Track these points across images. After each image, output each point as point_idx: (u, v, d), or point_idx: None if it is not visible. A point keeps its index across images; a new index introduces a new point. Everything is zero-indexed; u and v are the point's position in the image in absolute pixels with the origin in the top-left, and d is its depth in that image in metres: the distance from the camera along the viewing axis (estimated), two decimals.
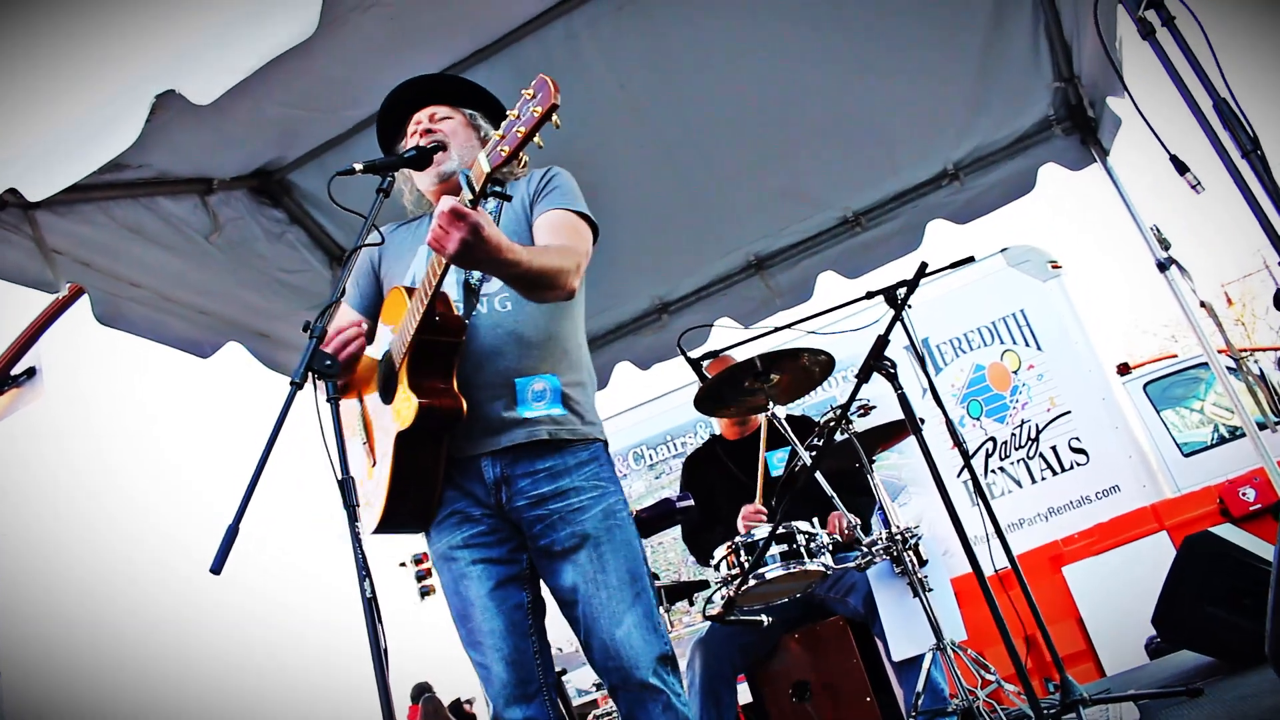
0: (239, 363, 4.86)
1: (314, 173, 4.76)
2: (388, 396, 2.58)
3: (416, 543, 17.25)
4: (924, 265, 3.22)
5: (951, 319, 8.15)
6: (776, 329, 3.79)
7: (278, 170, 4.69)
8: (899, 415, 3.54)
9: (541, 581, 2.64)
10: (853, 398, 3.31)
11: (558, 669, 2.77)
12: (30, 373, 6.29)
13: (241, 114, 3.86)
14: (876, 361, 3.14)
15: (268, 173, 4.68)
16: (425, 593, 17.22)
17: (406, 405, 2.45)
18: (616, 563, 2.52)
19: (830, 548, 3.46)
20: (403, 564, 17.57)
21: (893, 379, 3.18)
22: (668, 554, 8.41)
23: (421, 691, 11.68)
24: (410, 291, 2.53)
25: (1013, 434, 7.91)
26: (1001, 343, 8.03)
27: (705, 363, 4.03)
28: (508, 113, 2.12)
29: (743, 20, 4.52)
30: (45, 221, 3.82)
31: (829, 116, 5.11)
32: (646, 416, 8.78)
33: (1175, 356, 11.98)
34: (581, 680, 7.74)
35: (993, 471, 7.89)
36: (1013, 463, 7.87)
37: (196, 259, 4.47)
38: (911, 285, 3.24)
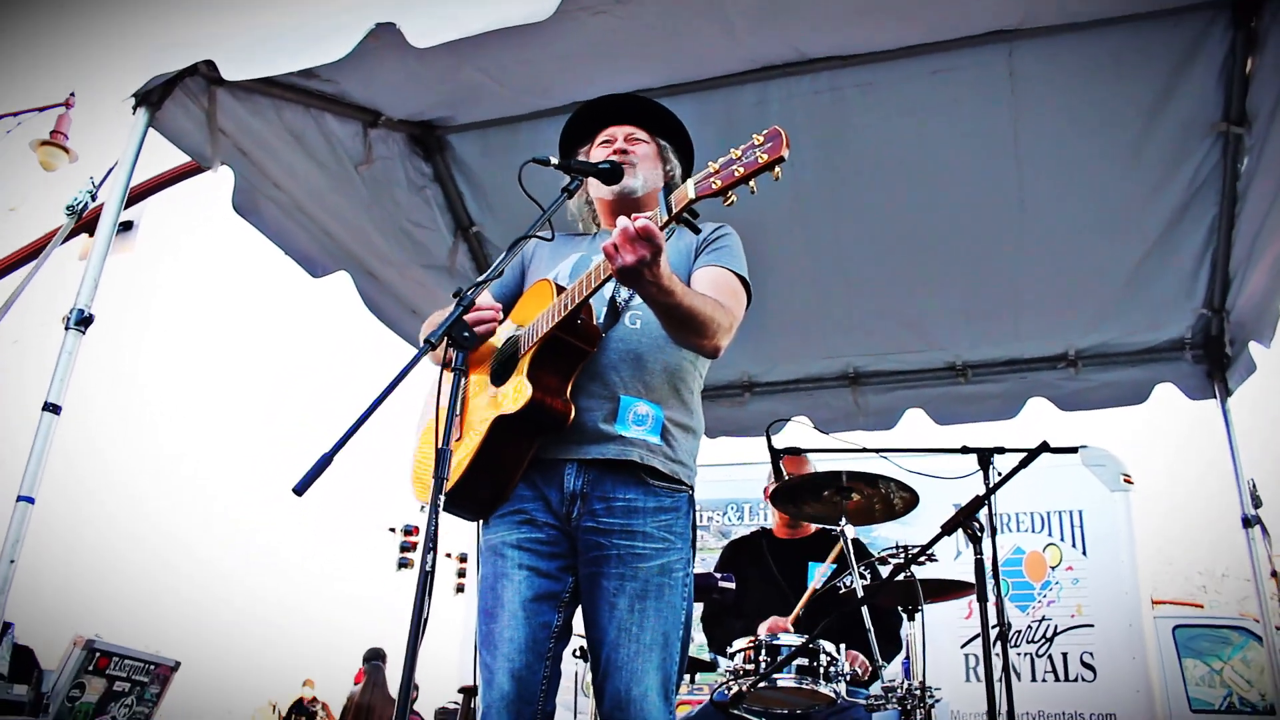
0: (339, 292, 4.91)
1: (473, 141, 4.83)
2: (500, 379, 2.58)
3: (410, 514, 17.18)
4: (1045, 444, 3.16)
5: (1007, 495, 7.97)
6: (865, 449, 3.73)
7: (441, 127, 4.76)
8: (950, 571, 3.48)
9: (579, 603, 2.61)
10: (931, 544, 3.25)
11: None
12: (127, 225, 6.37)
13: (440, 66, 3.94)
14: (967, 519, 3.09)
15: (431, 126, 4.75)
16: (403, 564, 17.16)
17: (519, 392, 2.44)
18: (655, 622, 2.47)
19: (848, 678, 3.40)
20: (391, 529, 17.55)
21: (977, 542, 3.13)
22: None
23: (372, 657, 11.62)
24: (560, 289, 2.54)
25: (1029, 626, 7.72)
26: (1049, 535, 7.87)
27: (783, 457, 3.98)
28: (730, 153, 2.12)
29: (928, 147, 4.54)
30: (223, 101, 3.92)
31: (972, 263, 5.10)
32: None
33: (1200, 607, 11.71)
34: None
35: (996, 655, 7.70)
36: (1019, 654, 7.68)
37: (340, 183, 4.55)
38: (1025, 460, 3.18)
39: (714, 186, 2.12)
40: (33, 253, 8.99)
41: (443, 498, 2.11)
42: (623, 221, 2.20)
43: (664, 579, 2.51)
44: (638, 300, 2.60)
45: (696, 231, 2.31)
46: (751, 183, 2.10)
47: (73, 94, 12.14)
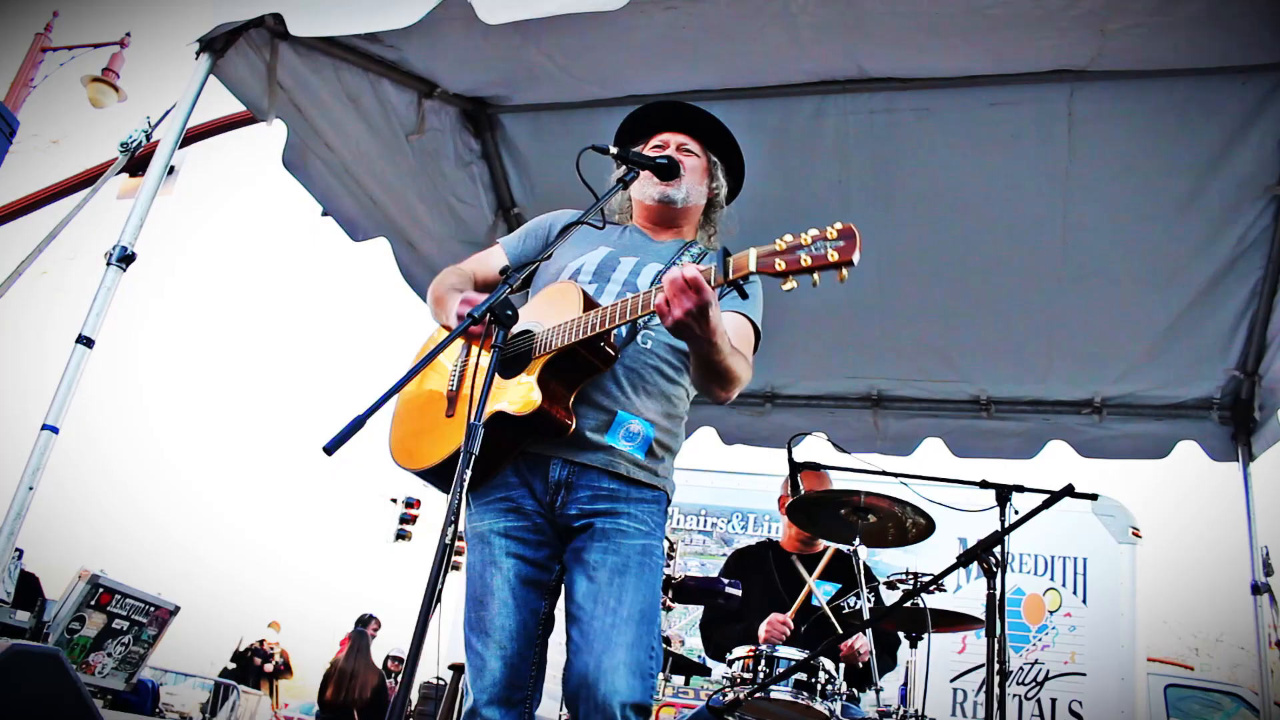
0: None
1: (525, 123, 4.84)
2: (508, 372, 2.55)
3: (410, 487, 17.13)
4: (1070, 487, 3.13)
5: (1012, 535, 7.94)
6: (885, 472, 3.72)
7: (495, 105, 4.77)
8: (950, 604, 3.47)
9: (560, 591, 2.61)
10: (945, 573, 3.25)
11: None
12: (169, 170, 6.38)
13: (503, 44, 3.95)
14: (984, 553, 3.07)
15: (485, 103, 4.76)
16: (400, 535, 17.12)
17: (528, 395, 2.42)
18: (635, 597, 2.47)
19: (844, 696, 3.39)
20: (394, 499, 17.49)
21: (992, 577, 3.11)
22: (674, 626, 8.27)
23: (359, 622, 11.66)
24: (589, 302, 2.49)
25: (1021, 668, 7.68)
26: (1051, 579, 7.83)
27: (802, 470, 3.96)
28: (799, 237, 2.06)
29: (977, 179, 4.53)
30: (284, 56, 3.94)
31: (1008, 299, 5.09)
32: (693, 482, 8.68)
33: (1191, 669, 11.64)
34: None
35: (982, 692, 7.66)
36: (1009, 695, 7.62)
37: (390, 150, 4.57)
38: (1048, 501, 3.16)
39: (776, 267, 2.07)
40: (73, 186, 9.04)
41: (468, 473, 2.10)
42: (673, 272, 2.18)
43: (645, 559, 2.52)
44: (656, 321, 2.59)
45: (745, 297, 2.27)
46: (815, 275, 2.04)
47: (128, 34, 12.22)
